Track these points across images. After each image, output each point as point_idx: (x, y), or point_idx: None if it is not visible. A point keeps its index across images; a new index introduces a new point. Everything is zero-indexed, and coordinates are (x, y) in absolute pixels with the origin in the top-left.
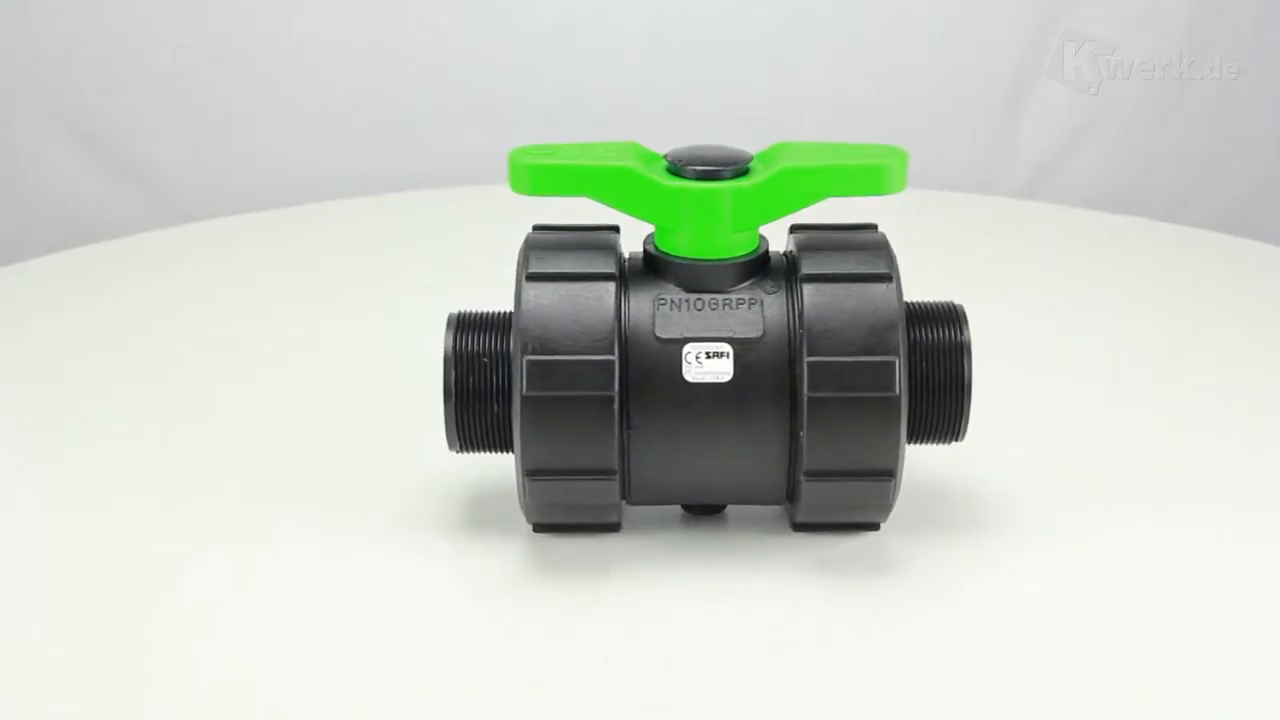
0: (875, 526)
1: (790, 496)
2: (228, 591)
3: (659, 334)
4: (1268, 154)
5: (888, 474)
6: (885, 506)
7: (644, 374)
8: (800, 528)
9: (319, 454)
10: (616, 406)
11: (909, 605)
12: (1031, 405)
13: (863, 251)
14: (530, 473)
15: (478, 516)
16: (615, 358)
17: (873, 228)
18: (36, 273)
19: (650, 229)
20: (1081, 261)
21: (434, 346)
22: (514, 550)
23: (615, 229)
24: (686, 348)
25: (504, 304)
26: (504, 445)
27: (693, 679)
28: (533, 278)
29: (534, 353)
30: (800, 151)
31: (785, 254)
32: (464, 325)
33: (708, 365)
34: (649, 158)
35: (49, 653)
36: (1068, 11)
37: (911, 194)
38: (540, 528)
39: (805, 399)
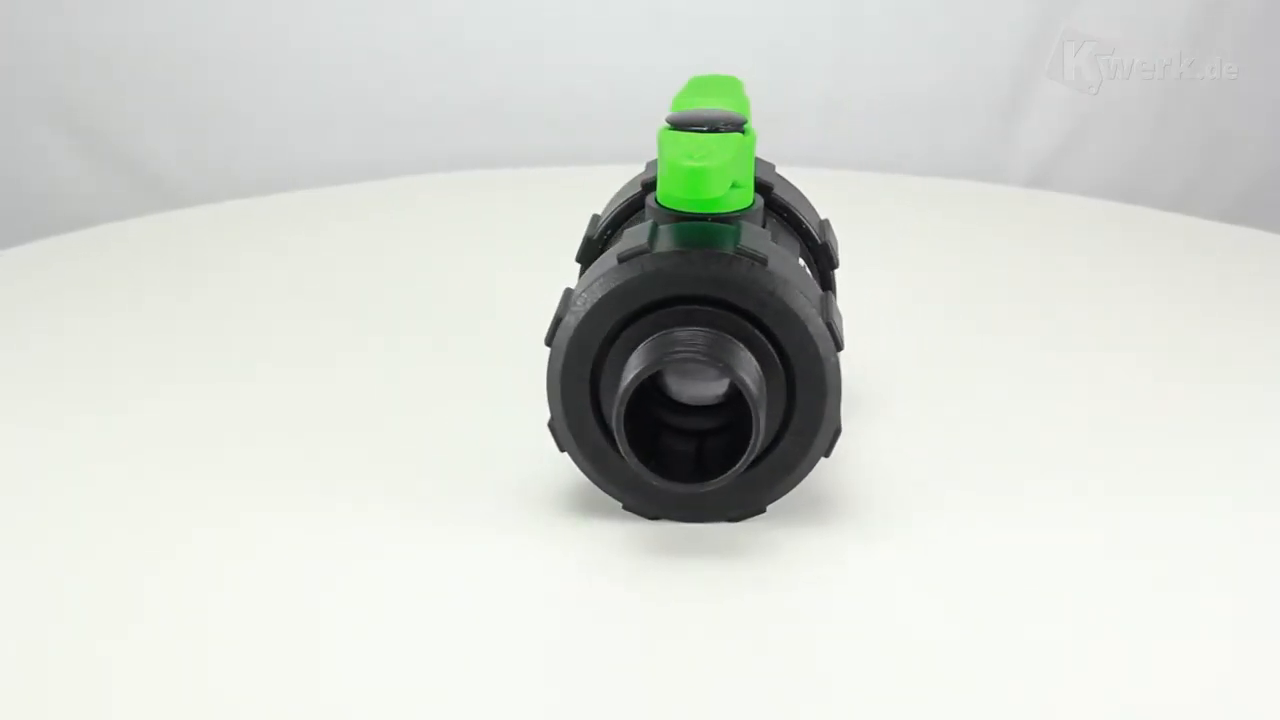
0: None
1: None
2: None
3: None
4: (1267, 154)
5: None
6: None
7: None
8: None
9: (342, 437)
10: None
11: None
12: (1024, 389)
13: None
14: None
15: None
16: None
17: None
18: (30, 259)
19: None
20: (1083, 250)
21: (467, 333)
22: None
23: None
24: None
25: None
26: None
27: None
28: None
29: (822, 314)
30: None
31: None
32: (724, 353)
33: None
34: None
35: (152, 624)
36: (1068, 11)
37: (912, 183)
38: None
39: (835, 276)
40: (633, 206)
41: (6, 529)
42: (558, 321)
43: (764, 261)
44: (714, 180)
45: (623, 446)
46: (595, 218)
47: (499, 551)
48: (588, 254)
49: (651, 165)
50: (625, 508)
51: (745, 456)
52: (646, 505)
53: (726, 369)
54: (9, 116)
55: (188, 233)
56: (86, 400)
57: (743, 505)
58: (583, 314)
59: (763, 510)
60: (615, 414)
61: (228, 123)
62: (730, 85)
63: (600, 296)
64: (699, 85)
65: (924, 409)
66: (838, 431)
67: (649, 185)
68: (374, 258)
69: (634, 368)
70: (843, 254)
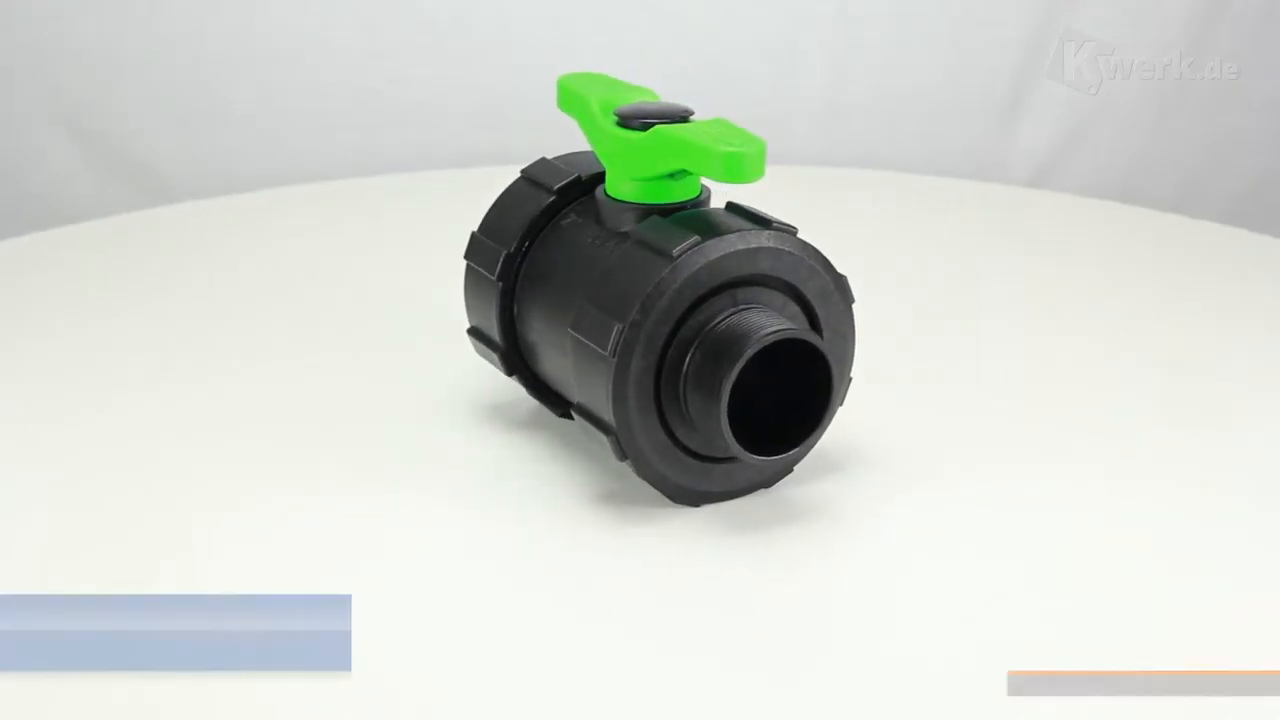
0: None
1: None
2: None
3: None
4: (1267, 154)
5: None
6: None
7: None
8: None
9: (333, 428)
10: None
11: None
12: (1020, 386)
13: None
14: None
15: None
16: None
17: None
18: (26, 253)
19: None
20: (1083, 250)
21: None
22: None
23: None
24: None
25: None
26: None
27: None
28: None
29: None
30: (605, 91)
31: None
32: (795, 323)
33: None
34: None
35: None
36: (1068, 11)
37: (912, 183)
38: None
39: None
40: (549, 214)
41: (5, 525)
42: (621, 331)
43: (794, 231)
44: (761, 161)
45: (728, 438)
46: (477, 238)
47: (559, 547)
48: (508, 271)
49: (548, 169)
50: (671, 499)
51: (829, 411)
52: (697, 493)
53: (816, 338)
54: (9, 116)
55: (184, 228)
56: (84, 394)
57: (775, 470)
58: (654, 316)
59: (790, 471)
60: (720, 409)
61: (227, 122)
62: (610, 79)
63: (667, 294)
64: (590, 82)
65: (918, 401)
66: (850, 380)
67: (569, 189)
68: (374, 255)
69: (723, 362)
70: (842, 253)
